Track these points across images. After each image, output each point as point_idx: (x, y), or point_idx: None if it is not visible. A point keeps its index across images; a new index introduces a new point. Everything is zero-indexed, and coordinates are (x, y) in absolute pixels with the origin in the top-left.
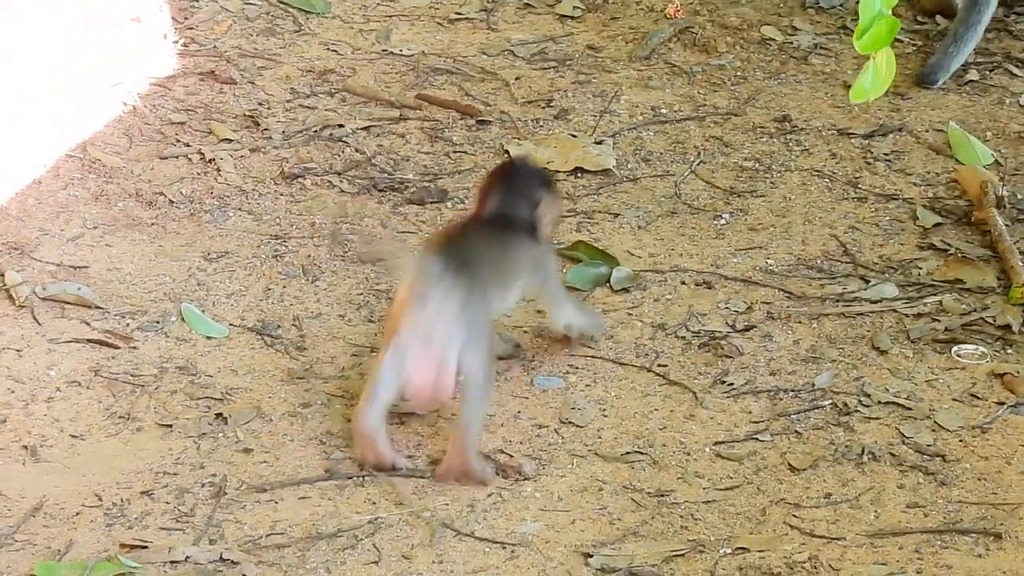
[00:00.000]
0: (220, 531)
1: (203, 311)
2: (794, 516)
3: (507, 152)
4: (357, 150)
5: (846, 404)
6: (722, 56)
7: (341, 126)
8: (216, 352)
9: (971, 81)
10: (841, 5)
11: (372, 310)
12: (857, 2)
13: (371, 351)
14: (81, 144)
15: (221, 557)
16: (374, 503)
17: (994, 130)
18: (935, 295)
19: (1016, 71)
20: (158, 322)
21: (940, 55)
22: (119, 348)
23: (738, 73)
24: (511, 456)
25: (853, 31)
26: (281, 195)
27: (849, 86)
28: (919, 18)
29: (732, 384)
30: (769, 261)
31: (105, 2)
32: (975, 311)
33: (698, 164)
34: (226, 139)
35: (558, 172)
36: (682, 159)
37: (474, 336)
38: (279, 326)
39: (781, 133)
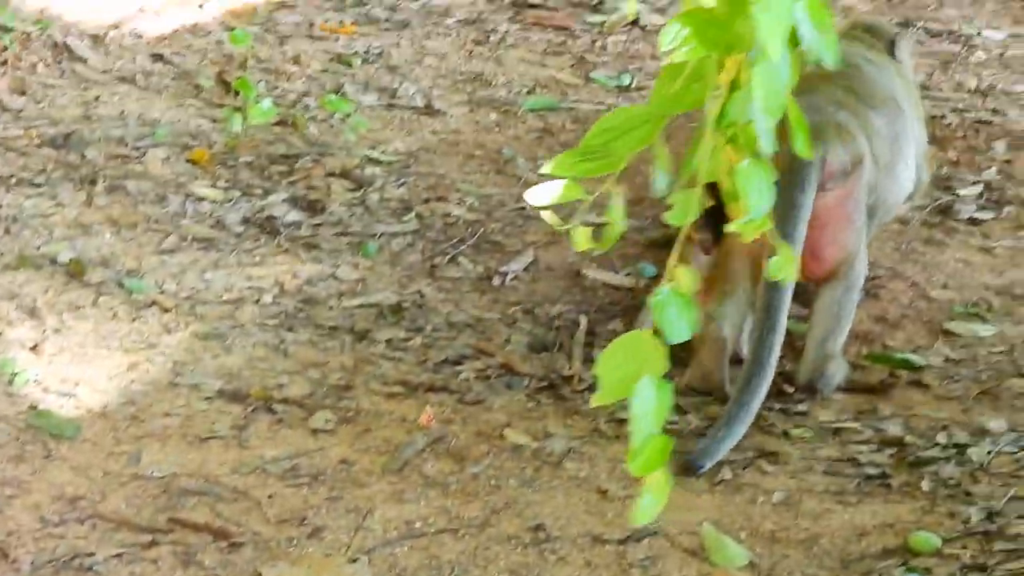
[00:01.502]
0: None
1: None
2: None
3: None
4: None
5: None
6: (477, 464)
7: (91, 554)
8: None
9: (724, 480)
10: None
11: None
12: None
13: None
14: None
15: None
16: None
17: (748, 530)
18: None
19: (768, 468)
20: None
21: (708, 441)
22: None
23: (492, 482)
24: None
25: (606, 433)
26: None
27: (604, 490)
28: (670, 417)
29: None
30: None
31: None
32: None
33: None
34: None
35: None
36: (437, 574)
37: None
38: None
39: (536, 543)
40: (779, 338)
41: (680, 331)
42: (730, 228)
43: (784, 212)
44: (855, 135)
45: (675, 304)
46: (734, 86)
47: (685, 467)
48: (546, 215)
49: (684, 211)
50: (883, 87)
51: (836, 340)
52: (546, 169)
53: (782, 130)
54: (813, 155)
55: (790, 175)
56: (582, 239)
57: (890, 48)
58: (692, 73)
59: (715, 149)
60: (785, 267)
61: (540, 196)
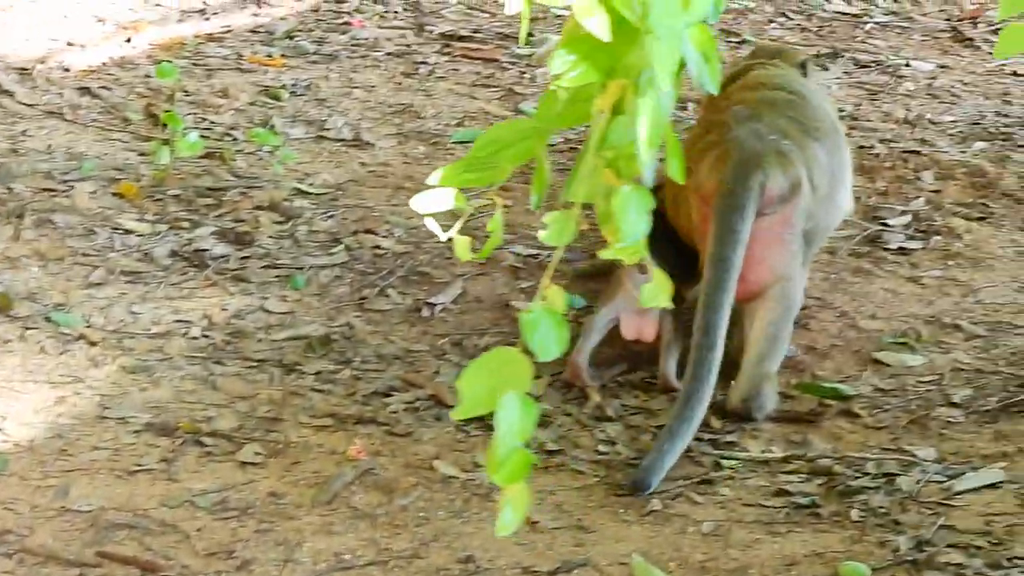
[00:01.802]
0: None
1: None
2: None
3: None
4: None
5: None
6: (406, 495)
7: None
8: None
9: (654, 510)
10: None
11: None
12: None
13: None
14: None
15: None
16: None
17: (677, 560)
18: None
19: (698, 498)
20: None
21: (653, 456)
22: None
23: (421, 514)
24: None
25: (535, 465)
26: None
27: (534, 522)
28: (600, 448)
29: None
30: None
31: None
32: None
33: None
34: None
35: None
36: None
37: None
38: None
39: (466, 574)
40: (717, 356)
41: (550, 349)
42: (606, 255)
43: (723, 236)
44: (795, 163)
45: (546, 322)
46: (616, 110)
47: (632, 487)
48: (430, 223)
49: (560, 232)
50: (825, 116)
51: (772, 362)
52: (432, 179)
53: (720, 157)
54: (752, 182)
55: (730, 200)
56: (463, 249)
57: (801, 73)
58: (577, 93)
59: (594, 171)
60: (658, 294)
61: (425, 205)
